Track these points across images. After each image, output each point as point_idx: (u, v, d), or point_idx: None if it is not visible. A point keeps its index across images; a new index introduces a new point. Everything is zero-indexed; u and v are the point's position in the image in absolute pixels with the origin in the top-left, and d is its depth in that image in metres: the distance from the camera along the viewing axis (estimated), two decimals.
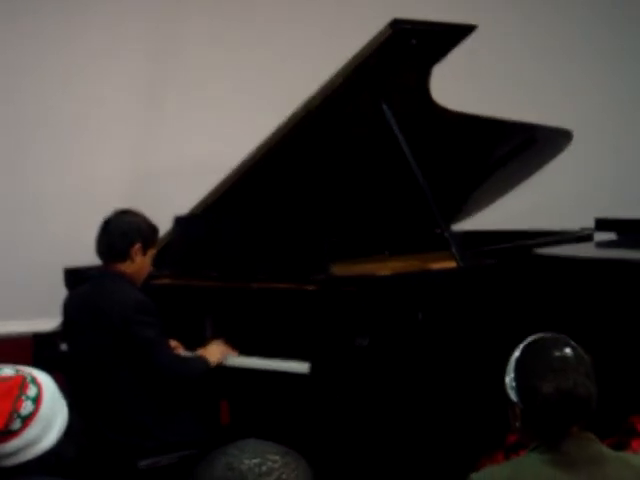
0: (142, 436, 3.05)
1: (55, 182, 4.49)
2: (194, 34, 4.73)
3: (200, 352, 3.19)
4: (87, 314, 3.13)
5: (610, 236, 4.16)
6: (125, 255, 3.13)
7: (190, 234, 3.52)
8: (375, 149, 3.63)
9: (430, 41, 3.28)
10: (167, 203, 3.74)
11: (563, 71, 5.60)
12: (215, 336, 3.28)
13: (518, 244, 3.83)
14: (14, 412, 1.83)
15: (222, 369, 3.17)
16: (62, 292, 3.46)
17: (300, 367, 3.01)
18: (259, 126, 3.50)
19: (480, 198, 4.24)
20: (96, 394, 3.13)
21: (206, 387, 3.22)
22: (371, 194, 3.90)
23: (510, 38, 5.42)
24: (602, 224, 4.14)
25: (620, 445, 2.98)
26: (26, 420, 1.84)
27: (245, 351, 3.19)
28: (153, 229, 3.21)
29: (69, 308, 3.25)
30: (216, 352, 3.17)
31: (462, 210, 4.20)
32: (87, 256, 3.28)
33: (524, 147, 3.93)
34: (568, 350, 1.92)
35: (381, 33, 3.17)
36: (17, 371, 1.90)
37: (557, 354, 1.91)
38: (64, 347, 3.40)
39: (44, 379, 1.92)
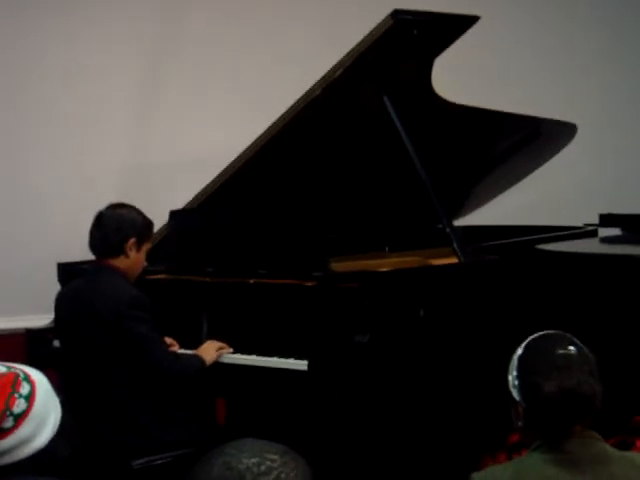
0: (137, 435, 3.03)
1: (50, 177, 4.49)
2: (193, 31, 4.74)
3: (195, 351, 3.17)
4: (80, 310, 3.10)
5: (615, 232, 4.16)
6: (119, 250, 3.10)
7: (186, 229, 3.50)
8: (376, 142, 3.62)
9: (432, 32, 3.27)
10: (163, 197, 3.73)
11: (565, 66, 5.62)
12: (211, 333, 3.26)
13: (521, 240, 3.80)
14: (7, 410, 1.82)
15: (219, 366, 3.15)
16: (55, 287, 3.45)
17: (298, 364, 2.99)
18: (257, 122, 3.50)
19: (483, 193, 4.23)
20: (89, 392, 3.11)
21: (202, 385, 3.20)
22: (371, 189, 3.89)
23: (512, 33, 5.44)
24: (607, 220, 4.14)
25: (625, 444, 2.97)
26: (19, 418, 1.83)
27: (242, 348, 3.17)
28: (148, 223, 3.18)
29: (61, 304, 3.23)
30: (211, 350, 3.15)
31: (464, 205, 4.19)
32: (81, 251, 3.25)
33: (528, 140, 3.93)
34: (572, 348, 1.91)
35: (382, 24, 3.16)
36: (9, 368, 1.89)
37: (561, 352, 1.89)
38: (57, 343, 3.38)
39: (37, 377, 1.91)
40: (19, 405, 1.82)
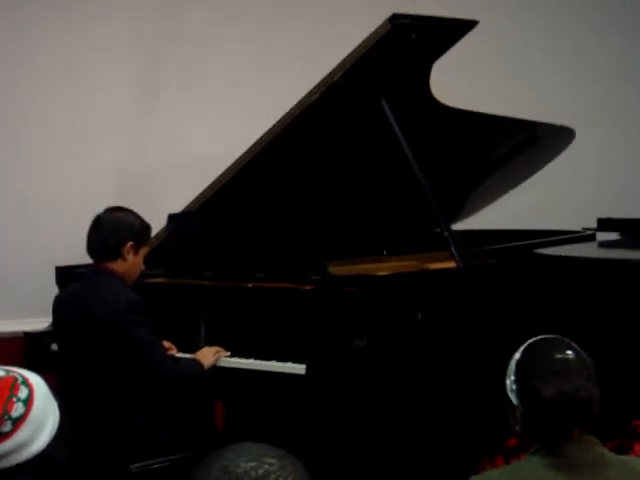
0: (135, 438, 3.02)
1: (47, 180, 4.49)
2: (191, 31, 4.74)
3: (193, 355, 3.17)
4: (78, 313, 3.10)
5: (613, 236, 4.16)
6: (117, 253, 3.09)
7: (184, 232, 3.50)
8: (374, 146, 3.63)
9: (430, 36, 3.27)
10: (161, 201, 3.72)
11: (565, 70, 5.63)
12: (209, 336, 3.26)
13: (519, 244, 3.80)
14: (5, 414, 1.81)
15: (217, 370, 3.15)
16: (53, 291, 3.45)
17: (296, 368, 2.99)
18: (255, 125, 3.50)
19: (481, 197, 4.23)
20: (88, 395, 3.10)
21: (200, 389, 3.19)
22: (370, 192, 3.89)
23: (511, 35, 5.45)
24: (605, 224, 4.14)
25: (623, 448, 2.97)
26: (17, 422, 1.82)
27: (241, 352, 3.17)
28: (145, 227, 3.17)
29: (59, 307, 3.22)
30: (209, 355, 3.15)
31: (462, 209, 4.18)
32: (79, 254, 3.25)
33: (526, 144, 3.93)
34: (570, 352, 1.91)
35: (380, 28, 3.16)
36: (8, 372, 1.89)
37: (559, 356, 1.89)
38: (55, 347, 3.37)
39: (35, 380, 1.90)
40: (17, 409, 1.82)
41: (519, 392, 1.89)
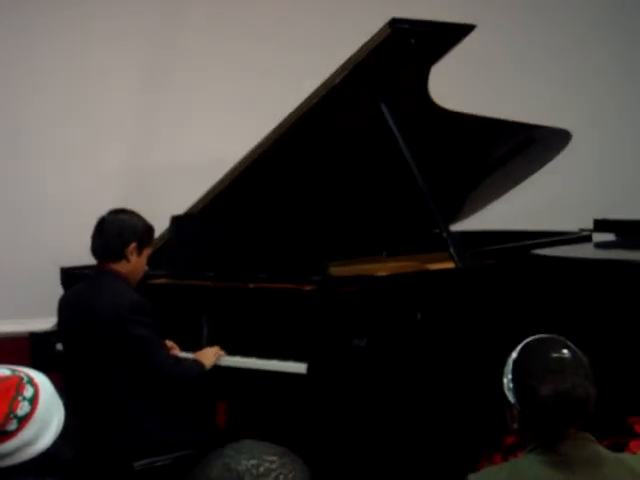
0: (139, 437, 3.04)
1: (52, 181, 4.49)
2: (195, 33, 4.73)
3: (195, 355, 3.18)
4: (82, 314, 3.11)
5: (609, 237, 4.16)
6: (120, 255, 3.12)
7: (187, 234, 3.51)
8: (373, 149, 3.63)
9: (429, 41, 3.28)
10: (164, 202, 3.73)
11: (563, 72, 5.61)
12: (212, 336, 3.27)
13: (517, 245, 3.82)
14: (10, 413, 1.83)
15: (220, 369, 3.16)
16: (59, 291, 3.46)
17: (297, 367, 3.00)
18: (257, 126, 3.50)
19: (478, 198, 4.24)
20: (92, 395, 3.12)
21: (202, 388, 3.21)
22: (369, 194, 3.90)
23: (512, 35, 5.44)
24: (601, 225, 4.14)
25: (618, 446, 2.97)
26: (22, 421, 1.84)
27: (242, 351, 3.18)
28: (149, 229, 3.19)
29: (64, 308, 3.24)
30: (210, 355, 3.16)
31: (460, 210, 4.19)
32: (84, 256, 3.27)
33: (522, 147, 3.94)
34: (566, 351, 1.91)
35: (380, 32, 3.17)
36: (13, 371, 1.90)
37: (555, 355, 1.90)
38: (60, 347, 3.39)
39: (41, 380, 1.92)
40: (23, 408, 1.83)
41: (516, 391, 1.90)
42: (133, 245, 3.12)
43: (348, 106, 3.44)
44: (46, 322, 3.56)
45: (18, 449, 1.84)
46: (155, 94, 4.70)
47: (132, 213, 3.20)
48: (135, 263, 3.14)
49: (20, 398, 1.84)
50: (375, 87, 3.37)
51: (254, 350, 3.15)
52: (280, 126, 3.43)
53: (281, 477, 1.31)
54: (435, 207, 3.40)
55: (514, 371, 1.92)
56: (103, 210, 3.21)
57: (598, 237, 4.18)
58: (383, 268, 3.61)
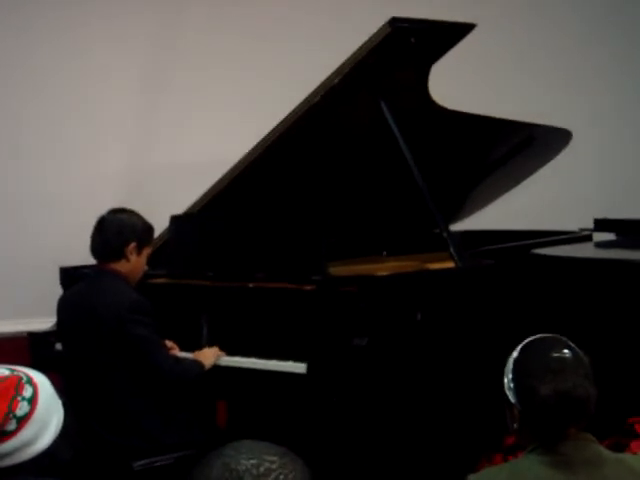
0: (139, 437, 3.04)
1: (51, 181, 4.48)
2: (195, 33, 4.73)
3: (194, 355, 3.19)
4: (82, 313, 3.12)
5: (609, 237, 4.16)
6: (120, 254, 3.12)
7: (186, 233, 3.51)
8: (373, 148, 3.63)
9: (429, 40, 3.28)
10: (164, 202, 3.73)
11: (563, 72, 5.62)
12: (211, 336, 3.27)
13: (517, 244, 3.82)
14: (9, 413, 1.82)
15: (219, 369, 3.17)
16: (58, 291, 3.46)
17: (297, 367, 3.00)
18: (257, 126, 3.50)
19: (479, 198, 4.24)
20: (92, 394, 3.12)
21: (202, 388, 3.21)
22: (369, 193, 3.90)
23: (509, 38, 5.44)
24: (601, 224, 4.15)
25: (619, 446, 2.97)
26: (21, 421, 1.84)
27: (242, 351, 3.18)
28: (148, 228, 3.20)
29: (63, 307, 3.24)
30: (210, 355, 3.17)
31: (460, 210, 4.19)
32: (83, 255, 3.27)
33: (523, 146, 3.94)
34: (567, 351, 1.91)
35: (380, 31, 3.17)
36: (13, 371, 1.90)
37: (556, 355, 1.90)
38: (59, 347, 3.39)
39: (40, 379, 1.92)
40: (22, 408, 1.83)
41: (516, 390, 1.90)
42: (133, 244, 3.13)
43: (348, 105, 3.45)
44: (45, 322, 3.56)
45: (17, 449, 1.84)
46: (155, 94, 4.70)
47: (132, 212, 3.20)
48: (135, 262, 3.15)
49: (19, 398, 1.84)
50: (375, 86, 3.37)
51: (254, 350, 3.15)
52: (280, 126, 3.43)
53: (281, 477, 1.31)
54: (435, 207, 3.40)
55: (514, 371, 1.92)
56: (103, 210, 3.21)
57: (598, 237, 4.19)
58: (383, 268, 3.62)
